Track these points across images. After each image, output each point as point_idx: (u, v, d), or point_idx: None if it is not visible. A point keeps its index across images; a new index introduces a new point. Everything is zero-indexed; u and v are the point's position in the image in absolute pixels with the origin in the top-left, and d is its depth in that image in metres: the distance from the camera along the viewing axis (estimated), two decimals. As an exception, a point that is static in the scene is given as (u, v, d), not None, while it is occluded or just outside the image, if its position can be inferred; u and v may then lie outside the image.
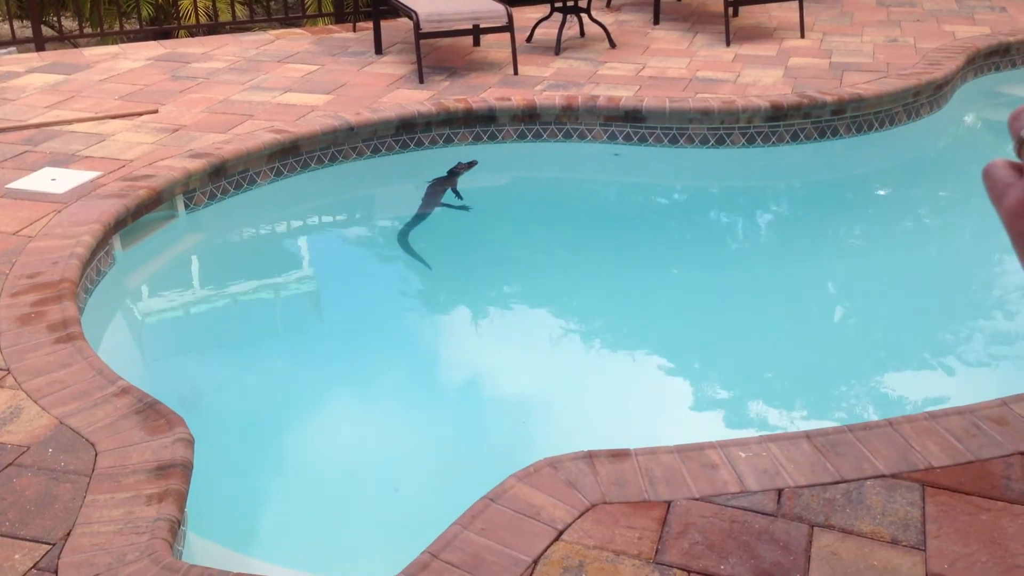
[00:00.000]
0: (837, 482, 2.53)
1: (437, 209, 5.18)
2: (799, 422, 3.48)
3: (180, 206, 4.68)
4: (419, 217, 5.08)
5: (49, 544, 2.36)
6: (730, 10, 7.18)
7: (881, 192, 5.89)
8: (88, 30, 8.84)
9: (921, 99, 5.99)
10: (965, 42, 6.91)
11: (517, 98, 5.72)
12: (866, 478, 2.54)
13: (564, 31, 7.00)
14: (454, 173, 5.36)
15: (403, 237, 4.91)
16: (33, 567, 2.29)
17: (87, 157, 4.88)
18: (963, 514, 2.42)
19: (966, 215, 5.39)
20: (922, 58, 6.51)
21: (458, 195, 5.25)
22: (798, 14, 7.32)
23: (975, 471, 2.57)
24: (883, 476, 2.55)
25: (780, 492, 2.50)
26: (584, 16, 7.17)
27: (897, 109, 5.88)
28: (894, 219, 5.45)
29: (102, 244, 4.06)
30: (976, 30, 7.34)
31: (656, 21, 7.72)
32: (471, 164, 5.42)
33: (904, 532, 2.37)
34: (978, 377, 3.80)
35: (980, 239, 5.05)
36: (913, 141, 5.97)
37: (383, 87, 6.04)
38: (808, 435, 2.72)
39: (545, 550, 2.32)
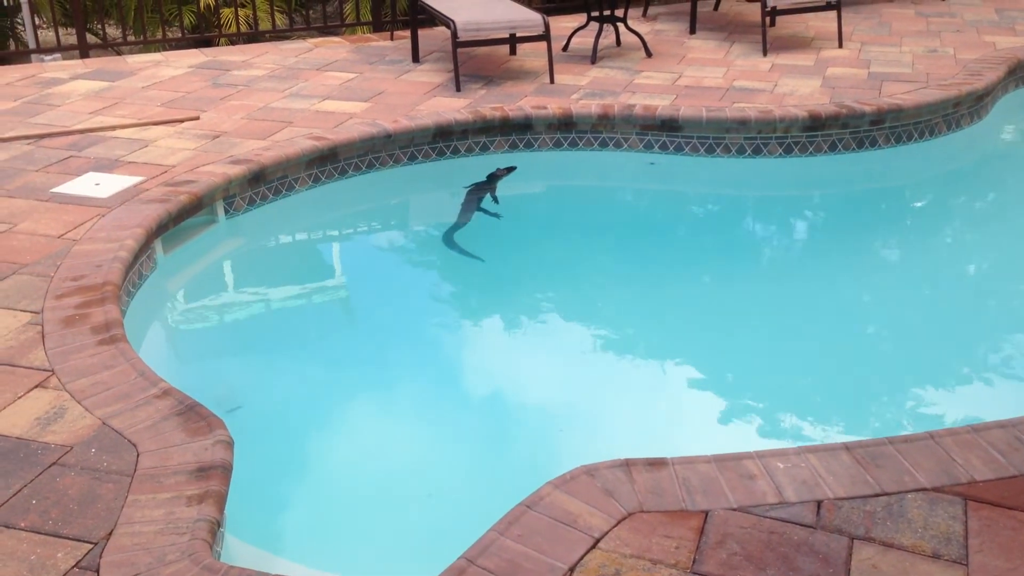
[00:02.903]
0: (877, 495, 2.51)
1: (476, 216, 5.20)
2: (838, 434, 3.44)
3: (220, 211, 4.74)
4: (459, 225, 5.10)
5: (91, 543, 2.39)
6: (767, 19, 7.16)
7: (920, 203, 5.83)
8: (131, 38, 8.98)
9: (961, 110, 5.93)
10: (1006, 53, 6.83)
11: (553, 106, 5.73)
12: (907, 491, 2.52)
13: (600, 40, 7.01)
14: (494, 178, 5.39)
15: (448, 238, 4.95)
16: (75, 566, 2.32)
17: (130, 162, 4.95)
18: (1006, 529, 2.39)
19: (1006, 226, 5.32)
20: (962, 68, 6.45)
21: (496, 200, 5.27)
22: (836, 24, 7.28)
23: (1018, 485, 2.53)
24: (924, 489, 2.52)
25: (819, 504, 2.48)
26: (620, 25, 7.18)
27: (937, 120, 5.82)
28: (933, 230, 5.39)
29: (144, 248, 4.12)
30: (1017, 41, 7.25)
31: (692, 30, 7.71)
32: (510, 169, 5.44)
33: (946, 546, 2.34)
34: (1021, 390, 3.75)
35: (1020, 250, 4.98)
36: (953, 152, 5.91)
37: (420, 95, 6.08)
38: (847, 447, 2.69)
39: (582, 558, 2.31)
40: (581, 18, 7.53)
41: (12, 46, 9.53)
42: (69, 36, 9.09)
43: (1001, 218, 5.51)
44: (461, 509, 3.09)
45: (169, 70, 6.73)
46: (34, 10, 8.26)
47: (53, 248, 4.01)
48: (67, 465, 2.69)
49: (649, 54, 6.97)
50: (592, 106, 5.73)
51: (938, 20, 8.04)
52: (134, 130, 5.46)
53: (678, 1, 8.94)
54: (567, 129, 5.71)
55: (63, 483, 2.62)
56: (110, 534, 2.42)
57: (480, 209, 5.22)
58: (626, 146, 5.71)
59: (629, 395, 3.77)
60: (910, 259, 5.01)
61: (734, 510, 2.47)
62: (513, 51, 7.06)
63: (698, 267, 4.89)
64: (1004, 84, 6.51)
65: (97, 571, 2.30)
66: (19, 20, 9.41)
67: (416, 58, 6.92)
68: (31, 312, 3.50)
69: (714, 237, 5.32)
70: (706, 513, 2.46)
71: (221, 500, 2.54)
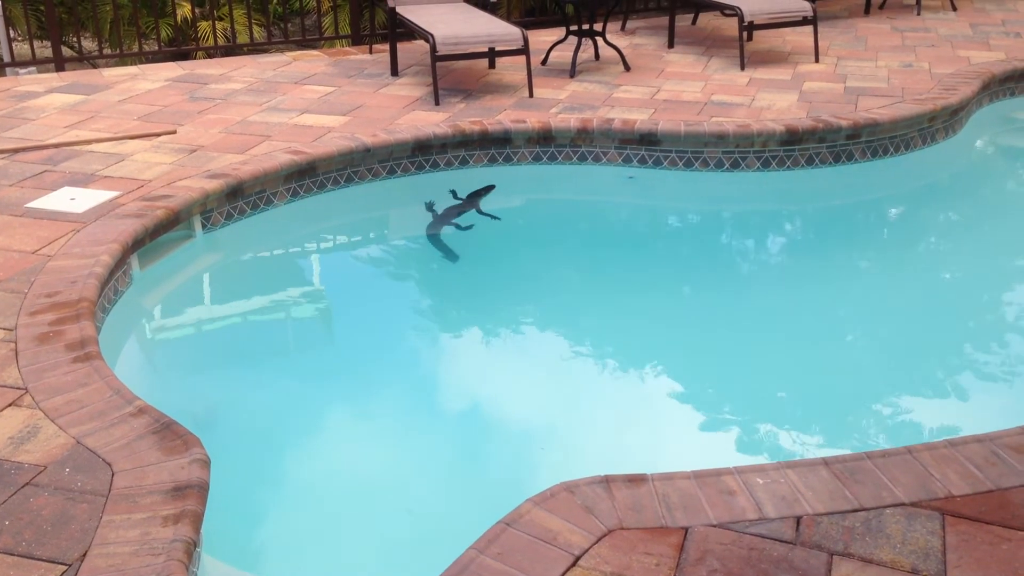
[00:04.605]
0: (856, 510, 2.52)
1: (447, 230, 5.19)
2: (816, 448, 3.45)
3: (197, 226, 4.71)
4: (433, 237, 5.10)
5: (65, 565, 2.36)
6: (745, 34, 7.21)
7: (896, 217, 5.88)
8: (107, 51, 8.93)
9: (936, 124, 5.99)
10: (980, 67, 6.91)
11: (532, 120, 5.74)
12: (885, 506, 2.53)
13: (579, 54, 7.04)
14: (475, 196, 5.36)
15: (436, 238, 4.96)
16: (49, 587, 2.29)
17: (106, 177, 4.92)
18: (984, 544, 2.40)
19: (982, 239, 5.37)
20: (937, 83, 6.52)
21: (484, 214, 5.24)
22: (812, 39, 7.35)
23: (995, 500, 2.54)
24: (903, 504, 2.53)
25: (799, 519, 2.49)
26: (599, 39, 7.21)
27: (912, 134, 5.88)
28: (909, 243, 5.43)
29: (120, 264, 4.09)
30: (991, 55, 7.34)
31: (671, 45, 7.75)
32: (488, 188, 5.43)
33: (924, 561, 2.35)
34: (998, 404, 3.78)
35: (996, 263, 5.02)
36: (928, 166, 5.97)
37: (399, 109, 6.08)
38: (826, 462, 2.70)
39: (562, 576, 2.31)
40: (560, 32, 7.56)
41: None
42: (44, 49, 9.01)
43: (976, 231, 5.57)
44: (440, 526, 3.07)
45: (146, 83, 6.69)
46: (9, 23, 8.20)
47: (27, 264, 3.97)
48: (40, 485, 2.65)
49: (628, 68, 7.00)
50: (571, 120, 5.74)
51: (913, 35, 8.13)
52: (110, 144, 5.42)
53: (656, 15, 9.00)
54: (546, 143, 5.72)
55: (37, 503, 2.58)
56: (84, 555, 2.38)
57: (454, 223, 5.20)
58: (605, 160, 5.73)
59: (608, 411, 3.77)
60: (887, 273, 5.05)
61: (714, 526, 2.47)
62: (492, 65, 7.07)
63: (676, 281, 4.90)
64: (979, 99, 6.59)
65: (71, 593, 2.27)
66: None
67: (395, 72, 6.92)
68: (4, 329, 3.46)
69: (692, 251, 5.34)
70: (686, 529, 2.46)
71: (197, 520, 2.51)
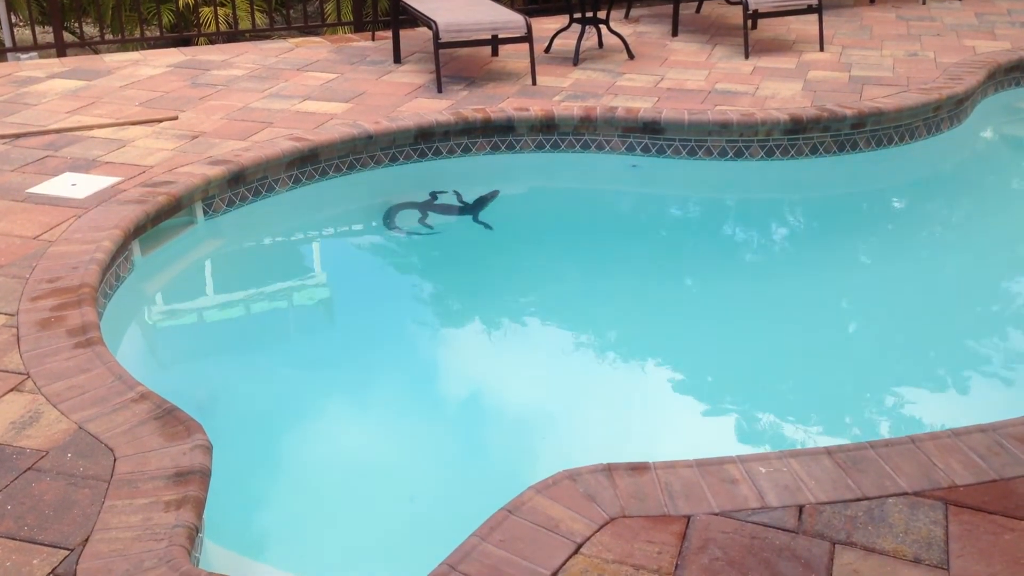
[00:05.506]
0: (859, 499, 2.51)
1: (452, 220, 5.17)
2: (820, 438, 3.45)
3: (199, 213, 4.70)
4: (395, 210, 5.10)
5: (67, 549, 2.36)
6: (749, 22, 7.18)
7: (900, 207, 5.86)
8: (109, 36, 8.90)
9: (941, 114, 5.97)
10: (986, 57, 6.88)
11: (535, 108, 5.72)
12: (888, 495, 2.52)
13: (583, 42, 7.01)
14: (482, 202, 5.31)
15: (389, 217, 5.02)
16: (51, 572, 2.29)
17: (107, 163, 4.90)
18: (987, 533, 2.40)
19: (986, 229, 5.36)
20: (942, 72, 6.49)
21: (481, 223, 5.19)
22: (817, 27, 7.32)
23: (999, 490, 2.54)
24: (906, 494, 2.53)
25: (801, 508, 2.48)
26: (603, 27, 7.18)
27: (917, 123, 5.85)
28: (913, 233, 5.42)
29: (122, 250, 4.08)
30: (997, 45, 7.31)
31: (675, 33, 7.72)
32: (493, 194, 5.38)
33: (927, 551, 2.34)
34: (1001, 394, 3.77)
35: (1000, 253, 5.01)
36: (933, 156, 5.95)
37: (402, 96, 6.06)
38: (829, 451, 2.70)
39: (564, 563, 2.30)
40: (563, 19, 7.53)
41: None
42: (46, 34, 9.00)
43: (980, 222, 5.55)
44: (443, 514, 3.07)
45: (147, 69, 6.67)
46: (10, 8, 8.17)
47: (28, 249, 3.96)
48: (43, 470, 2.65)
49: (631, 56, 6.98)
50: (574, 108, 5.72)
51: (918, 24, 8.10)
52: (111, 130, 5.41)
53: (661, 3, 8.96)
54: (549, 131, 5.70)
55: (39, 488, 2.58)
56: (86, 540, 2.38)
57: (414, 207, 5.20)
58: (608, 148, 5.71)
59: (611, 399, 3.77)
60: (890, 263, 5.03)
61: (716, 515, 2.46)
62: (495, 52, 7.05)
63: (679, 270, 4.89)
64: (984, 88, 6.56)
65: (73, 578, 2.27)
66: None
67: (398, 59, 6.89)
68: (6, 314, 3.46)
69: (695, 240, 5.33)
70: (688, 518, 2.45)
71: (200, 505, 2.51)
